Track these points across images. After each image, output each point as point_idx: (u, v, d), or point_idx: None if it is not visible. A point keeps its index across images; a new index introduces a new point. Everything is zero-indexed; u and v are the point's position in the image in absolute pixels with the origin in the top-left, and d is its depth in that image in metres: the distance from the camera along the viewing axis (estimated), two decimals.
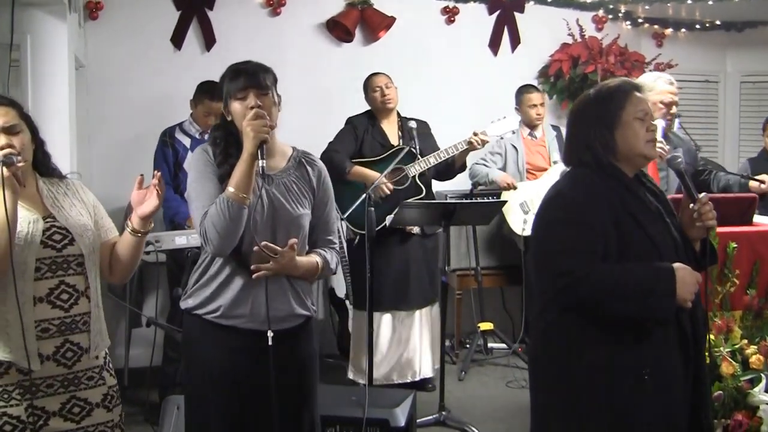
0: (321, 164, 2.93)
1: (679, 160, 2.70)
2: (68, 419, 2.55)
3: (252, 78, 2.70)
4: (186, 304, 2.80)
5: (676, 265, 2.43)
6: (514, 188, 5.65)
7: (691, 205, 2.60)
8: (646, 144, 2.55)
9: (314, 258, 2.82)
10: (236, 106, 2.70)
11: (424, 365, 5.19)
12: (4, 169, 2.36)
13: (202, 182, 2.72)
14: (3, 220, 2.36)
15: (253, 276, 2.66)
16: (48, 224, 2.54)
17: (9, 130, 2.48)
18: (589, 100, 2.65)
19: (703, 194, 2.61)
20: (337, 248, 2.94)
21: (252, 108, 2.65)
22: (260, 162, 2.60)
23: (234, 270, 2.72)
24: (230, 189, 2.60)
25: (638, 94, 2.59)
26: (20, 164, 2.44)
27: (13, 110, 2.54)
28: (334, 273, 2.95)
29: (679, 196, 2.83)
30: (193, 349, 2.81)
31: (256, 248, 2.63)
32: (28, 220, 2.49)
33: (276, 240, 2.70)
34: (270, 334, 2.68)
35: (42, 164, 2.67)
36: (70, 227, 2.57)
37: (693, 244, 2.65)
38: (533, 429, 2.72)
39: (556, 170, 5.77)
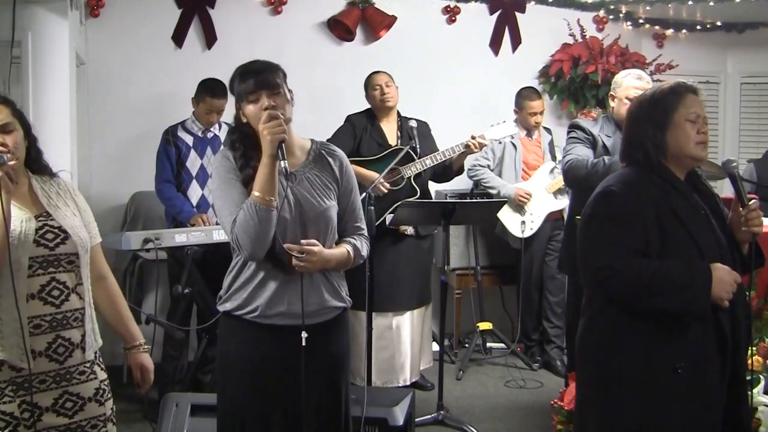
0: (341, 153, 2.92)
1: (734, 164, 2.76)
2: (61, 414, 2.55)
3: (262, 79, 2.69)
4: (224, 307, 2.81)
5: (715, 264, 2.50)
6: (528, 200, 5.67)
7: (741, 209, 2.66)
8: (696, 145, 2.63)
9: (344, 247, 2.82)
10: (250, 108, 2.69)
11: (413, 369, 5.17)
12: None
13: (226, 189, 2.71)
14: (2, 219, 2.36)
15: (295, 266, 2.65)
16: (41, 223, 2.54)
17: (2, 129, 2.48)
18: (644, 101, 2.75)
19: (753, 201, 2.67)
20: (366, 234, 2.94)
21: (266, 109, 2.64)
22: (282, 163, 2.58)
23: (269, 271, 2.72)
24: (255, 193, 2.60)
25: (692, 96, 2.66)
26: (11, 162, 2.42)
27: (6, 108, 2.53)
28: (365, 258, 2.95)
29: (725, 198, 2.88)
30: (231, 348, 2.81)
31: (288, 246, 2.64)
32: (20, 219, 2.49)
33: (306, 236, 2.71)
34: (304, 335, 2.68)
35: (34, 161, 2.65)
36: (66, 226, 2.57)
37: (741, 246, 2.71)
38: (576, 412, 2.85)
39: (546, 168, 5.78)
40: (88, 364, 2.63)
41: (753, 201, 2.66)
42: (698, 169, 2.79)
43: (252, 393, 2.75)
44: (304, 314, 2.70)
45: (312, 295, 2.74)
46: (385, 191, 4.86)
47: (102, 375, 2.69)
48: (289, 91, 2.77)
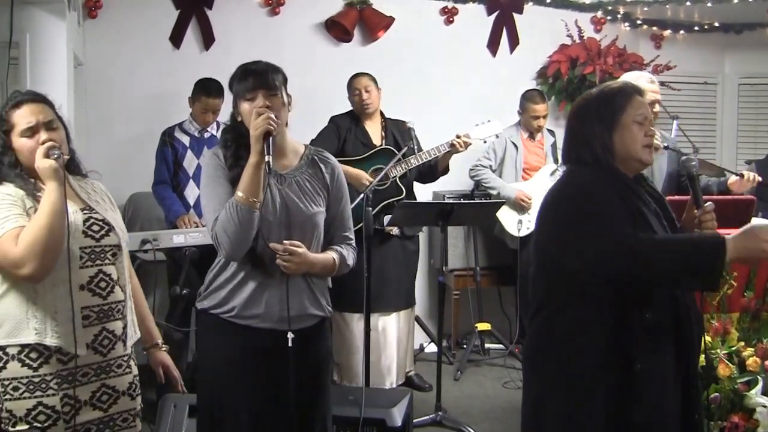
0: (334, 161, 2.93)
1: (693, 163, 2.72)
2: (97, 407, 2.61)
3: (261, 78, 2.69)
4: (201, 305, 2.81)
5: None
6: (529, 204, 5.67)
7: (695, 210, 2.62)
8: (643, 149, 2.55)
9: (330, 254, 2.82)
10: (245, 106, 2.69)
11: (399, 371, 5.17)
12: (54, 161, 2.46)
13: (213, 186, 2.72)
14: (62, 208, 2.44)
15: (278, 265, 2.65)
16: (86, 215, 2.63)
17: (48, 126, 2.57)
18: (590, 100, 2.66)
19: (708, 203, 2.62)
20: (353, 244, 2.94)
21: (259, 109, 2.64)
22: (267, 157, 2.58)
23: (249, 272, 2.72)
24: (239, 193, 2.60)
25: (639, 97, 2.59)
26: (66, 157, 2.56)
27: (48, 107, 2.63)
28: (351, 268, 2.94)
29: (681, 198, 2.84)
30: (208, 347, 2.83)
31: (272, 245, 2.64)
32: (69, 211, 2.56)
33: (291, 239, 2.70)
34: (290, 335, 2.68)
35: (70, 160, 2.74)
36: (108, 219, 2.67)
37: None
38: (525, 420, 2.74)
39: (546, 171, 5.79)
40: (125, 358, 2.70)
41: (708, 203, 2.61)
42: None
43: (228, 392, 2.74)
44: (282, 318, 2.70)
45: (292, 301, 2.73)
46: (367, 184, 4.83)
47: (135, 370, 2.76)
48: (288, 95, 2.77)
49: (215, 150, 2.80)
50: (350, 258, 2.89)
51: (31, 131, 2.54)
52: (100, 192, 2.81)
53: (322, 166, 2.87)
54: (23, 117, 2.54)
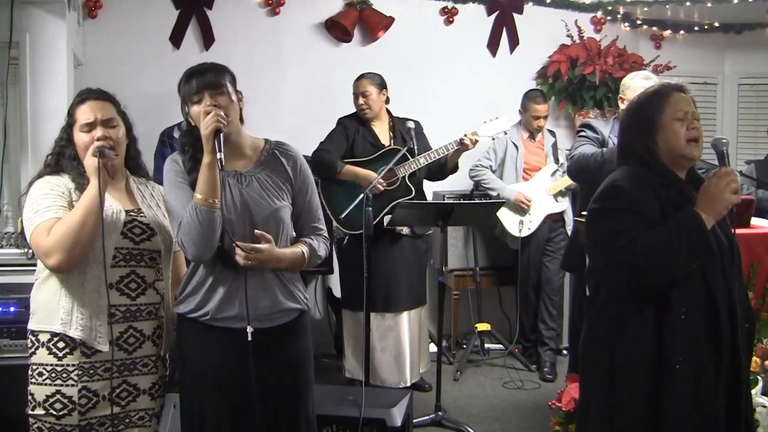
0: (296, 153, 2.91)
1: (724, 140, 2.76)
2: (114, 403, 2.67)
3: (204, 79, 2.70)
4: (178, 309, 2.81)
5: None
6: (528, 206, 5.66)
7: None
8: (687, 143, 2.61)
9: (299, 247, 2.80)
10: (194, 109, 2.70)
11: (413, 370, 5.17)
12: (97, 160, 2.54)
13: (176, 193, 2.71)
14: (97, 207, 2.51)
15: (242, 263, 2.63)
16: (130, 218, 2.70)
17: (106, 123, 2.67)
18: (631, 107, 2.76)
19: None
20: (325, 234, 2.92)
21: (207, 108, 2.64)
22: (218, 155, 2.58)
23: (218, 274, 2.71)
24: (197, 195, 2.60)
25: (678, 94, 2.65)
26: (114, 157, 2.63)
27: (111, 105, 2.74)
28: (323, 258, 2.92)
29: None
30: (186, 350, 2.82)
31: (237, 244, 2.63)
32: (111, 211, 2.64)
33: (255, 237, 2.68)
34: (249, 329, 2.66)
35: (132, 160, 2.84)
36: (154, 225, 2.72)
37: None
38: (577, 414, 2.85)
39: (547, 171, 5.78)
40: (154, 358, 2.78)
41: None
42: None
43: (208, 393, 2.75)
44: (257, 317, 2.69)
45: (264, 297, 2.73)
46: (381, 189, 4.87)
47: (163, 371, 2.83)
48: (237, 92, 2.78)
49: (174, 156, 2.81)
50: (321, 249, 2.87)
51: (88, 127, 2.66)
52: (158, 195, 2.87)
53: (283, 159, 2.85)
54: (84, 113, 2.69)
